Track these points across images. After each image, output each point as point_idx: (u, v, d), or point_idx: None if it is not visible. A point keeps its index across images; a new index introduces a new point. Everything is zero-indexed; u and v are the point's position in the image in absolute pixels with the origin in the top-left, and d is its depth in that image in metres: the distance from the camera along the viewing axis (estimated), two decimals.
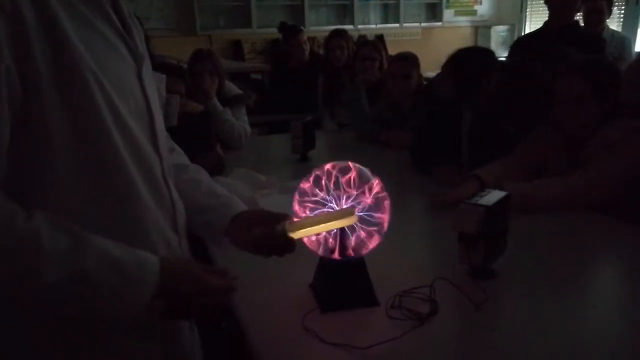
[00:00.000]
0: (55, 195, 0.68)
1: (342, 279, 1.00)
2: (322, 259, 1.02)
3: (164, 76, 1.65)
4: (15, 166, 0.65)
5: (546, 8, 2.40)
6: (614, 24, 5.19)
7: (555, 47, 1.97)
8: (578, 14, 2.29)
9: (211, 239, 1.01)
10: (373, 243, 0.98)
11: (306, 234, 0.92)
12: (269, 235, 0.89)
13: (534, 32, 2.53)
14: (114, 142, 0.72)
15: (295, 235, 0.89)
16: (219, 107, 2.30)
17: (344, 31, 3.40)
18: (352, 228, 0.96)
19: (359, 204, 0.95)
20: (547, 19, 2.40)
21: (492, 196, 1.08)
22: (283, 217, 0.91)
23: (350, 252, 0.98)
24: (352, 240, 0.98)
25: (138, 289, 0.68)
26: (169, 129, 0.94)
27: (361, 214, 0.95)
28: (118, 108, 0.72)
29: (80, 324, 0.71)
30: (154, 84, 0.86)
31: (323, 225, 0.91)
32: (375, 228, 0.97)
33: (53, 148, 0.67)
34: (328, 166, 0.97)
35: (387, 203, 0.98)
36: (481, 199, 1.07)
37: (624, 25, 5.11)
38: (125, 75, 0.77)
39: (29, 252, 0.61)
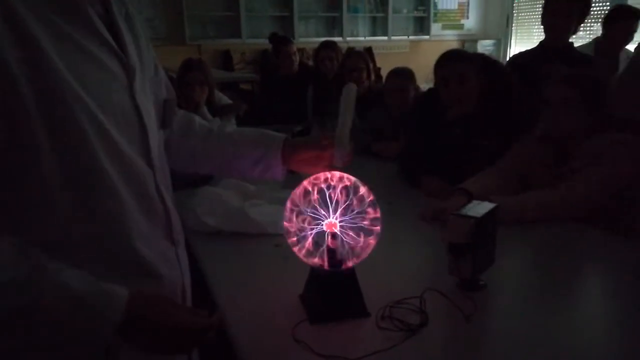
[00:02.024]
0: (42, 212, 0.68)
1: (332, 289, 1.00)
2: (312, 269, 1.02)
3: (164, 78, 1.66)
4: (4, 184, 0.64)
5: (531, 24, 2.45)
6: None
7: (549, 67, 2.00)
8: (574, 35, 2.34)
9: (267, 172, 1.06)
10: (364, 254, 0.99)
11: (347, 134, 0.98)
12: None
13: (528, 50, 2.58)
14: (99, 160, 0.71)
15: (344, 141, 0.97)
16: (209, 116, 2.30)
17: (334, 43, 3.44)
18: (343, 237, 0.96)
19: (351, 212, 0.95)
20: (531, 34, 2.44)
21: (481, 208, 1.09)
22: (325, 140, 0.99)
23: (341, 263, 0.98)
24: (343, 250, 0.98)
25: (98, 324, 0.66)
26: None
27: (350, 224, 0.96)
28: (103, 124, 0.71)
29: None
30: (150, 95, 0.85)
31: (348, 114, 0.99)
32: (366, 238, 0.97)
33: (39, 167, 0.66)
34: (319, 176, 0.97)
35: (377, 213, 0.98)
36: (470, 210, 1.08)
37: None
38: (113, 89, 0.76)
39: None
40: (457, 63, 1.82)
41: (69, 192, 0.69)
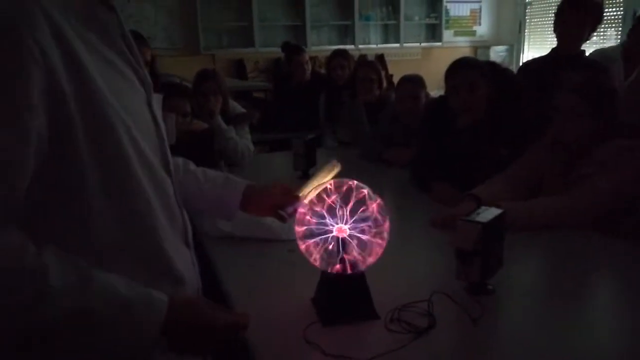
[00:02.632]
0: (82, 221, 0.71)
1: (342, 293, 1.03)
2: (323, 273, 1.05)
3: (161, 96, 1.71)
4: (45, 196, 0.67)
5: (544, 29, 2.46)
6: (611, 45, 5.28)
7: (560, 74, 2.01)
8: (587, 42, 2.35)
9: (222, 216, 1.15)
10: (373, 257, 1.02)
11: (311, 194, 1.05)
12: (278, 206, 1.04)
13: (540, 57, 2.59)
14: (135, 170, 0.75)
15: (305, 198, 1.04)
16: (223, 125, 2.35)
17: (345, 51, 3.48)
18: (353, 242, 1.00)
19: (361, 219, 0.98)
20: (544, 40, 2.46)
21: (489, 213, 1.12)
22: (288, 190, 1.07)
23: (351, 267, 1.02)
24: (353, 256, 1.01)
25: (145, 327, 0.70)
26: (171, 147, 0.99)
27: (360, 230, 0.99)
28: (136, 138, 0.75)
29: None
30: (160, 108, 0.90)
31: (319, 180, 1.09)
32: (375, 242, 1.00)
33: (82, 176, 0.69)
34: (330, 183, 1.01)
35: (386, 219, 1.01)
36: (478, 216, 1.10)
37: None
38: (139, 104, 0.80)
39: (36, 287, 0.62)
40: (467, 71, 1.85)
41: (107, 200, 0.72)
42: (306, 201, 1.03)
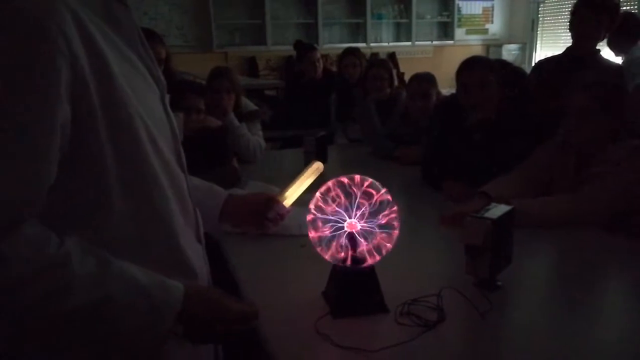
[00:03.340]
0: (101, 213, 0.73)
1: (353, 286, 1.06)
2: (334, 267, 1.08)
3: (168, 96, 1.74)
4: (69, 186, 0.69)
5: (557, 28, 2.45)
6: None
7: (573, 74, 2.01)
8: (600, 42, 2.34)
9: (206, 229, 1.07)
10: (383, 253, 1.04)
11: (295, 196, 1.07)
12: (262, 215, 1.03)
13: (555, 56, 2.59)
14: (152, 165, 0.77)
15: (287, 201, 1.04)
16: (236, 122, 2.38)
17: (357, 49, 3.49)
18: (363, 237, 1.02)
19: (371, 214, 1.01)
20: (557, 38, 2.45)
21: (498, 210, 1.13)
22: (267, 198, 1.05)
23: (362, 261, 1.04)
24: (364, 249, 1.03)
25: (163, 314, 0.72)
26: (183, 144, 1.01)
27: (370, 225, 1.01)
28: (153, 134, 0.77)
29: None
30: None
31: (300, 182, 1.10)
32: (385, 238, 1.03)
33: (102, 169, 0.71)
34: (341, 179, 1.03)
35: (396, 215, 1.03)
36: (487, 212, 1.12)
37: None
38: (153, 101, 0.82)
39: (60, 274, 0.65)
40: (478, 70, 1.86)
41: (126, 192, 0.74)
42: (287, 204, 1.04)
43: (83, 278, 0.66)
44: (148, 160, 0.77)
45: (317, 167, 1.14)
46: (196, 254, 0.89)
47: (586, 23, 2.29)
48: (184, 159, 0.89)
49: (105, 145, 0.70)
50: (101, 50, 0.70)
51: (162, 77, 0.86)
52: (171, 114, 0.87)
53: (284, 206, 1.05)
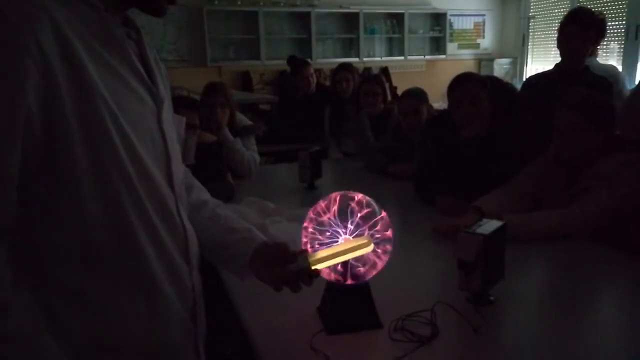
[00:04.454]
0: (74, 229, 0.73)
1: (347, 302, 1.06)
2: (329, 283, 1.08)
3: (184, 118, 1.75)
4: (37, 197, 0.70)
5: (547, 42, 2.50)
6: (613, 58, 5.33)
7: (565, 89, 2.04)
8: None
9: (235, 272, 1.06)
10: (377, 269, 1.05)
11: (326, 265, 0.97)
12: (291, 272, 0.95)
13: (544, 72, 2.63)
14: (132, 181, 0.77)
15: (317, 266, 0.95)
16: (230, 137, 2.39)
17: (350, 65, 3.53)
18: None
19: (365, 230, 1.02)
20: (547, 52, 2.50)
21: (490, 225, 1.15)
22: (301, 252, 0.97)
23: (355, 277, 1.05)
24: (357, 267, 1.04)
25: None
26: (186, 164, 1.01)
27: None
28: (136, 148, 0.78)
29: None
30: (173, 126, 0.92)
31: (342, 256, 0.97)
32: (379, 254, 1.04)
33: (76, 181, 0.72)
34: (336, 195, 1.04)
35: (390, 232, 1.04)
36: (479, 228, 1.13)
37: (623, 60, 5.23)
38: (145, 117, 0.82)
39: None
40: (468, 86, 1.89)
41: (102, 211, 0.75)
42: (313, 265, 0.94)
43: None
44: (126, 173, 0.76)
45: (366, 243, 0.99)
46: (176, 275, 0.86)
47: (573, 39, 2.34)
48: (175, 180, 0.88)
49: (78, 154, 0.71)
50: (80, 61, 0.71)
51: (162, 97, 0.87)
52: (167, 132, 0.87)
53: (309, 264, 0.95)
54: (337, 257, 0.97)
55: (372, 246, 1.00)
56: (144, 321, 0.81)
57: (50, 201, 0.72)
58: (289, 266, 0.96)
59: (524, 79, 3.86)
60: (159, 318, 0.83)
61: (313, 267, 0.95)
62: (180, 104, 2.08)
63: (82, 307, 0.76)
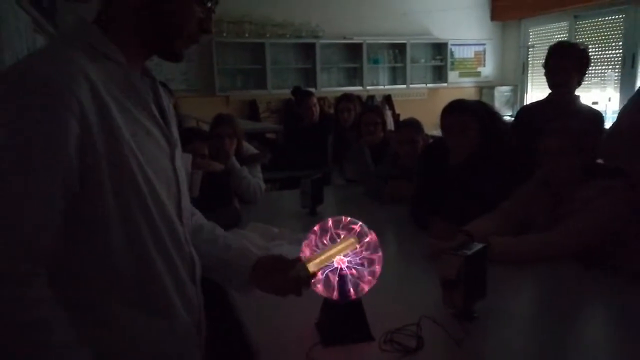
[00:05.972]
0: (100, 260, 0.85)
1: (342, 317, 1.17)
2: (325, 300, 1.20)
3: (190, 155, 1.89)
4: (74, 232, 0.82)
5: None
6: (611, 86, 5.47)
7: (553, 118, 2.15)
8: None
9: (237, 289, 1.17)
10: (368, 287, 1.16)
11: (321, 264, 1.09)
12: (291, 278, 1.06)
13: (538, 102, 2.74)
14: (154, 218, 0.89)
15: (312, 267, 1.06)
16: (237, 165, 2.53)
17: (352, 95, 3.69)
18: (350, 273, 1.14)
19: (358, 252, 1.13)
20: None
21: (472, 247, 1.26)
22: (295, 260, 1.09)
23: (350, 295, 1.16)
24: (350, 286, 1.16)
25: None
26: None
27: (357, 263, 1.14)
28: (155, 186, 0.89)
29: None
30: (183, 165, 1.04)
31: (331, 252, 1.10)
32: (370, 274, 1.15)
33: (105, 218, 0.84)
34: (331, 221, 1.17)
35: (380, 253, 1.16)
36: (462, 249, 1.25)
37: (620, 88, 5.37)
38: (161, 158, 0.94)
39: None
40: (457, 114, 2.00)
41: (125, 243, 0.86)
42: (311, 268, 1.06)
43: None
44: (150, 213, 0.89)
45: (351, 242, 1.13)
46: (187, 295, 0.99)
47: (557, 72, 2.47)
48: (184, 213, 1.00)
49: (107, 193, 0.82)
50: (109, 112, 0.83)
51: (175, 138, 0.99)
52: (178, 169, 0.99)
53: (306, 268, 1.05)
54: (328, 256, 1.10)
55: (355, 241, 1.12)
56: (159, 335, 0.93)
57: (81, 235, 0.83)
58: (289, 273, 1.06)
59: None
60: (171, 332, 0.95)
61: (309, 268, 1.06)
62: (191, 135, 2.24)
63: (104, 324, 0.87)
